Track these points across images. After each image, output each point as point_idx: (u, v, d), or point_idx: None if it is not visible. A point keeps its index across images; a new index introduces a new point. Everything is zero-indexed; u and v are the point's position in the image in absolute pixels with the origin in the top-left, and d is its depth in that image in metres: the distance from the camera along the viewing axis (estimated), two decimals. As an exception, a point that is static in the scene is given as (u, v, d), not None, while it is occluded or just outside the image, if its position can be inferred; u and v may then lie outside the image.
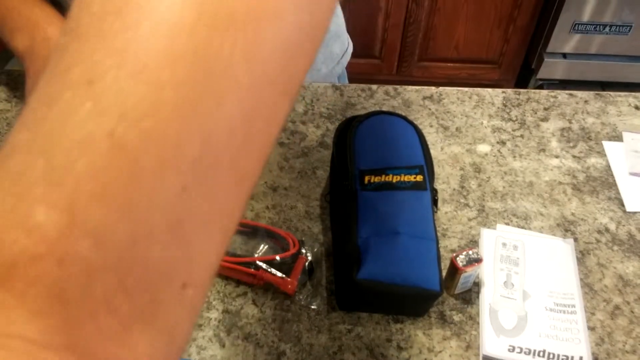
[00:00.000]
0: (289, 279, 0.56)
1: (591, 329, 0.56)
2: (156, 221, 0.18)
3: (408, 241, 0.54)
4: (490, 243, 0.62)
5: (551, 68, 1.96)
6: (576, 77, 1.99)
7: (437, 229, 0.60)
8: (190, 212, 0.19)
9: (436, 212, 0.64)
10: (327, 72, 0.85)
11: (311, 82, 0.79)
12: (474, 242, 0.62)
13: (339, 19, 0.84)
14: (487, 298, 0.57)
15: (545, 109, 0.77)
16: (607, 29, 1.84)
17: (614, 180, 0.69)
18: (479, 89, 0.80)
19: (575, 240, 0.63)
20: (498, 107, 0.77)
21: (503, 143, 0.73)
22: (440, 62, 2.06)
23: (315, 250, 0.59)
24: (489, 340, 0.54)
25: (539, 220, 0.64)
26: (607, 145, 0.73)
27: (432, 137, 0.73)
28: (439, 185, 0.67)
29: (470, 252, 0.55)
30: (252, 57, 0.19)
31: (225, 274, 0.58)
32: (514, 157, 0.71)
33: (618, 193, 0.68)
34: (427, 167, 0.59)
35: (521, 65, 2.07)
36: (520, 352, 0.54)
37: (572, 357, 0.53)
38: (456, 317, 0.56)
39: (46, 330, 0.16)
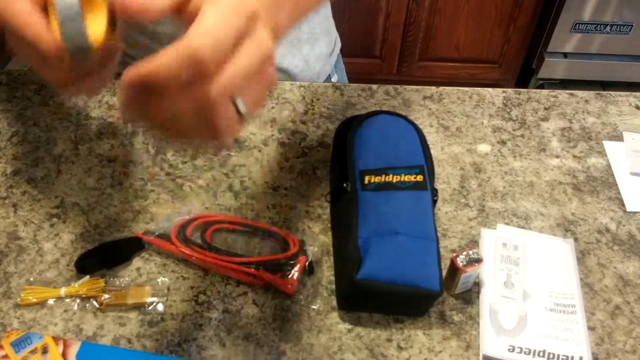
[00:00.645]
0: (289, 279, 0.56)
1: (591, 329, 0.56)
2: None
3: (408, 241, 0.54)
4: (490, 243, 0.62)
5: (552, 68, 1.96)
6: (577, 77, 1.99)
7: (437, 229, 0.60)
8: None
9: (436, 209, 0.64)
10: (320, 69, 0.87)
11: (310, 82, 0.79)
12: (474, 242, 0.62)
13: (327, 20, 0.87)
14: (487, 298, 0.57)
15: (545, 108, 0.77)
16: (607, 28, 1.84)
17: (615, 180, 0.69)
18: (479, 88, 0.80)
19: (576, 240, 0.63)
20: (498, 107, 0.77)
21: (503, 143, 0.73)
22: (441, 61, 2.06)
23: (315, 250, 0.60)
24: (489, 340, 0.54)
25: (539, 220, 0.64)
26: (608, 145, 0.73)
27: (433, 137, 0.73)
28: (439, 185, 0.67)
29: (471, 252, 0.55)
30: None
31: (226, 274, 0.58)
32: (515, 156, 0.71)
33: (618, 193, 0.68)
34: (427, 167, 0.59)
35: (522, 64, 2.07)
36: (521, 352, 0.54)
37: (572, 357, 0.53)
38: (456, 317, 0.56)
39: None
